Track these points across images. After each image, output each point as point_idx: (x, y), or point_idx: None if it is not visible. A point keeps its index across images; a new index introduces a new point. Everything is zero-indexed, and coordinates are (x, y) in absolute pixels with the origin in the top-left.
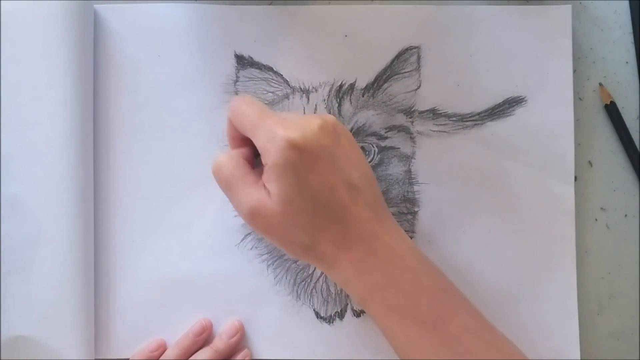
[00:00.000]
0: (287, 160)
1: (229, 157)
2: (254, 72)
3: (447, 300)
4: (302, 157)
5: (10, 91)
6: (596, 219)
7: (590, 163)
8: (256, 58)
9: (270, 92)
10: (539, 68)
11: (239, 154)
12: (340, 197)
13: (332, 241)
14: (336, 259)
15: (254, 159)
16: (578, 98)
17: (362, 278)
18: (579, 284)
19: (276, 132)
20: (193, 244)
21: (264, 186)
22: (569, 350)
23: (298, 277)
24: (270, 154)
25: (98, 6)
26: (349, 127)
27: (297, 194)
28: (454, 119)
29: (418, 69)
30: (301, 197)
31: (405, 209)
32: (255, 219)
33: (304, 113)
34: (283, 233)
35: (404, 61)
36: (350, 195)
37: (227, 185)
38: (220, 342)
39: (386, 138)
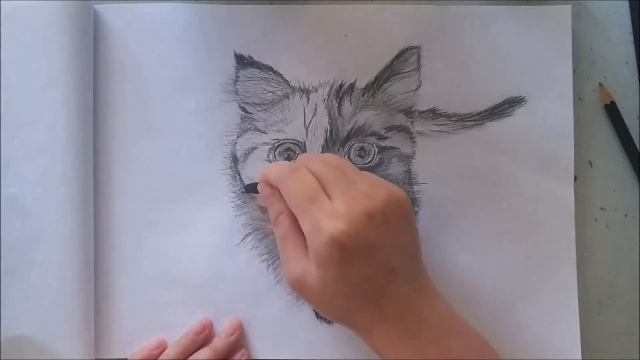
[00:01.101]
0: (327, 255)
1: (288, 213)
2: (253, 71)
3: None
4: (343, 252)
5: (10, 91)
6: (596, 219)
7: (590, 163)
8: (256, 58)
9: (270, 91)
10: (539, 68)
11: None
12: (377, 283)
13: (365, 316)
14: (369, 330)
15: None
16: (578, 98)
17: (393, 349)
18: (579, 284)
19: (321, 223)
20: (193, 244)
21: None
22: (570, 350)
23: None
24: (313, 244)
25: (98, 6)
26: (349, 127)
27: (334, 282)
28: (454, 119)
29: (418, 69)
30: (337, 286)
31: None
32: (298, 286)
33: (304, 113)
34: (321, 304)
35: (404, 61)
36: (388, 279)
37: (281, 241)
38: (219, 341)
39: (386, 138)
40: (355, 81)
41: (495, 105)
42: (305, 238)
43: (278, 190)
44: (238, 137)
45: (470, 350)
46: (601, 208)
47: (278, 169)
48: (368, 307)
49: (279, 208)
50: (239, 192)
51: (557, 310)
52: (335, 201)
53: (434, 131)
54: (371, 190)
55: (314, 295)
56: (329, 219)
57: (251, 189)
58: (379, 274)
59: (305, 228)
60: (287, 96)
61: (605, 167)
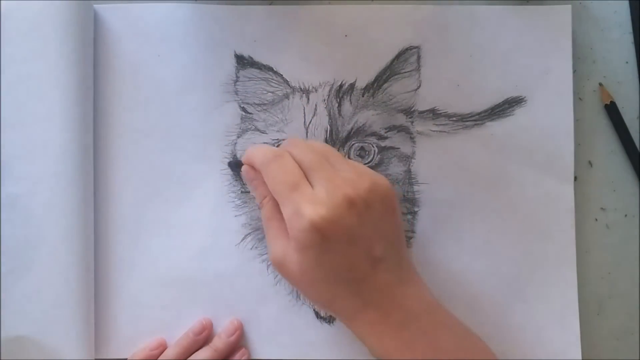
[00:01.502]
0: (307, 241)
1: (272, 197)
2: (253, 72)
3: None
4: (323, 238)
5: (10, 91)
6: (596, 219)
7: (590, 163)
8: (256, 58)
9: (270, 92)
10: (539, 68)
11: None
12: (358, 270)
13: (348, 303)
14: (353, 318)
15: None
16: (578, 98)
17: (378, 339)
18: (579, 284)
19: (301, 209)
20: (193, 244)
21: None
22: (570, 350)
23: None
24: (292, 230)
25: (98, 6)
26: (349, 127)
27: (313, 268)
28: (454, 119)
29: (418, 69)
30: (318, 272)
31: (405, 209)
32: (279, 267)
33: (304, 113)
34: (301, 288)
35: (404, 61)
36: (371, 266)
37: (266, 222)
38: (219, 341)
39: (386, 138)
40: (355, 81)
41: (495, 105)
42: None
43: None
44: (238, 137)
45: (460, 342)
46: (601, 208)
47: (262, 153)
48: (350, 295)
49: (262, 192)
50: (239, 192)
51: (557, 310)
52: (316, 187)
53: (434, 131)
54: (355, 178)
55: (295, 279)
56: (309, 205)
57: (234, 165)
58: (360, 261)
59: (285, 214)
60: (287, 96)
61: (605, 167)
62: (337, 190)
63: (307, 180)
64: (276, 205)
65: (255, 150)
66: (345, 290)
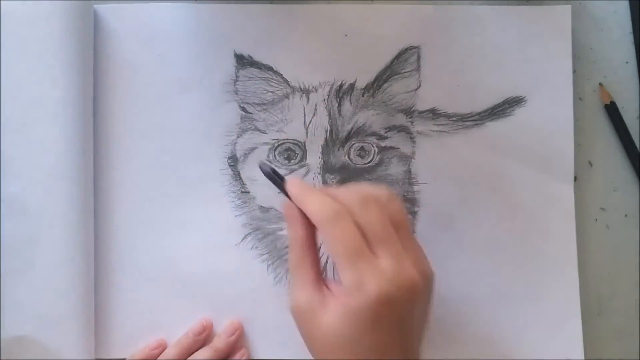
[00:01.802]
0: (364, 314)
1: (306, 239)
2: (253, 71)
3: None
4: (379, 316)
5: (10, 91)
6: (596, 219)
7: (590, 163)
8: (256, 57)
9: (270, 91)
10: (538, 68)
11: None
12: (388, 357)
13: None
14: None
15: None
16: (578, 98)
17: None
18: (579, 284)
19: (368, 282)
20: (193, 244)
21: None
22: (572, 350)
23: None
24: (352, 299)
25: (98, 6)
26: (349, 127)
27: (349, 339)
28: (454, 119)
29: (418, 69)
30: (351, 343)
31: (405, 208)
32: (300, 318)
33: (304, 113)
34: (318, 347)
35: (404, 61)
36: (398, 354)
37: (294, 266)
38: (219, 341)
39: (386, 138)
40: (355, 81)
41: (495, 105)
42: (318, 269)
43: (301, 212)
44: (238, 137)
45: None
46: (601, 208)
47: (320, 206)
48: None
49: (299, 232)
50: (239, 192)
51: (558, 311)
52: (382, 260)
53: (434, 131)
54: (419, 261)
55: (318, 337)
56: (376, 280)
57: (268, 175)
58: (393, 350)
59: (345, 280)
60: (287, 96)
61: (605, 167)
62: (404, 271)
63: (371, 248)
64: (306, 251)
65: (312, 201)
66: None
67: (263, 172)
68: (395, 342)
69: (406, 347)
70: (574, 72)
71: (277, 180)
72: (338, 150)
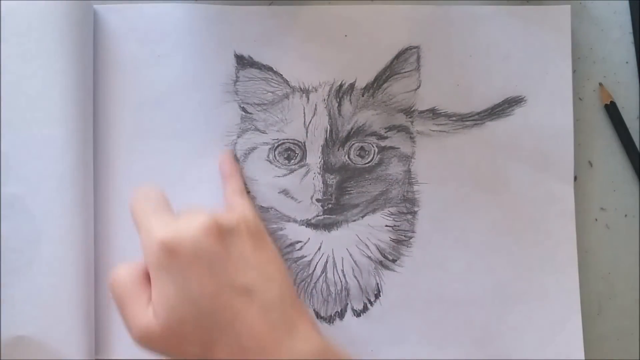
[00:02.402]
0: (159, 264)
1: (126, 271)
2: (253, 72)
3: None
4: (176, 260)
5: (11, 91)
6: (596, 219)
7: (590, 163)
8: (256, 58)
9: (270, 92)
10: (538, 68)
11: (137, 267)
12: (226, 303)
13: (225, 353)
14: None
15: None
16: (578, 98)
17: None
18: (579, 284)
19: (151, 232)
20: None
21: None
22: (572, 350)
23: (298, 277)
24: (145, 256)
25: (98, 6)
26: (349, 127)
27: (174, 300)
28: (454, 118)
29: (418, 69)
30: (180, 304)
31: (405, 208)
32: (145, 345)
33: (304, 113)
34: (173, 350)
35: (403, 61)
36: (242, 301)
37: (118, 303)
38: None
39: (386, 138)
40: (355, 81)
41: (495, 105)
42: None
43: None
44: (238, 137)
45: None
46: (601, 208)
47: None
48: (224, 339)
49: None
50: None
51: (558, 311)
52: (176, 213)
53: (434, 131)
54: (222, 210)
55: (163, 343)
56: (160, 227)
57: None
58: (226, 291)
59: (141, 244)
60: (287, 96)
61: (605, 167)
62: (194, 216)
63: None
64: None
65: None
66: (217, 334)
67: None
68: (221, 285)
69: (245, 288)
70: (574, 72)
71: None
72: (338, 150)
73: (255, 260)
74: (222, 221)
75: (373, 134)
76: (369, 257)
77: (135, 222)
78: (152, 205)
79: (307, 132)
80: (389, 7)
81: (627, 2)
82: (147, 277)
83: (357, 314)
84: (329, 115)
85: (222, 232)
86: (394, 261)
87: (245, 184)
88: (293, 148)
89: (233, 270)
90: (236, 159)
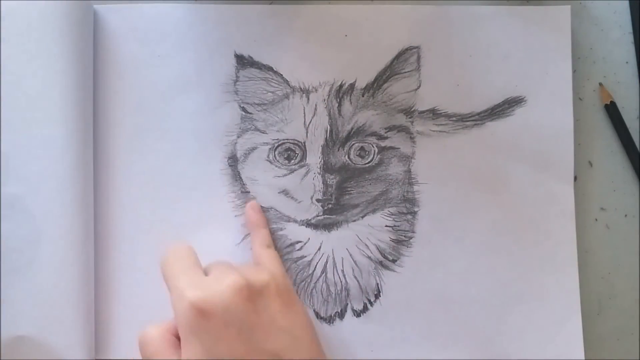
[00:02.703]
0: (190, 325)
1: (157, 331)
2: (253, 71)
3: None
4: (206, 322)
5: (10, 91)
6: (596, 219)
7: (590, 163)
8: (256, 58)
9: (270, 91)
10: (538, 68)
11: (167, 327)
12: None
13: None
14: None
15: None
16: (578, 98)
17: None
18: (579, 284)
19: (182, 292)
20: (193, 244)
21: None
22: (572, 350)
23: (298, 277)
24: (176, 316)
25: (98, 6)
26: (349, 127)
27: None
28: (454, 119)
29: (418, 69)
30: None
31: (405, 209)
32: None
33: (304, 113)
34: None
35: (404, 61)
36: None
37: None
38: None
39: (386, 138)
40: (355, 81)
41: (495, 105)
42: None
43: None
44: (238, 137)
45: None
46: (601, 208)
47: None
48: None
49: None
50: (239, 192)
51: (558, 311)
52: (208, 275)
53: (434, 131)
54: (251, 269)
55: None
56: (191, 288)
57: None
58: (254, 356)
59: (172, 304)
60: (287, 96)
61: (605, 167)
62: (224, 275)
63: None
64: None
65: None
66: None
67: None
68: (253, 350)
69: (274, 353)
70: (574, 72)
71: None
72: (338, 150)
73: (284, 322)
74: (253, 281)
75: (373, 134)
76: (369, 257)
77: (166, 282)
78: (182, 264)
79: (307, 132)
80: (389, 7)
81: (627, 2)
82: (177, 337)
83: (357, 314)
84: (329, 115)
85: (252, 294)
86: (394, 261)
87: (245, 184)
88: (293, 148)
89: (262, 335)
90: (236, 159)
